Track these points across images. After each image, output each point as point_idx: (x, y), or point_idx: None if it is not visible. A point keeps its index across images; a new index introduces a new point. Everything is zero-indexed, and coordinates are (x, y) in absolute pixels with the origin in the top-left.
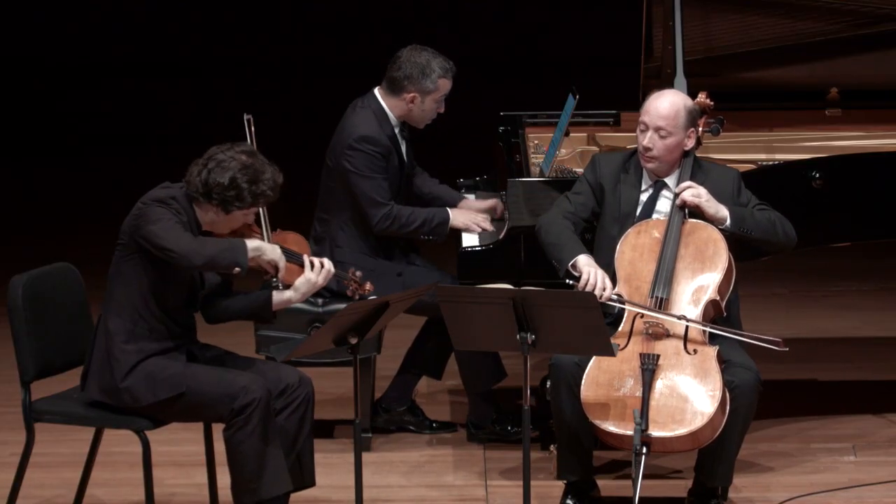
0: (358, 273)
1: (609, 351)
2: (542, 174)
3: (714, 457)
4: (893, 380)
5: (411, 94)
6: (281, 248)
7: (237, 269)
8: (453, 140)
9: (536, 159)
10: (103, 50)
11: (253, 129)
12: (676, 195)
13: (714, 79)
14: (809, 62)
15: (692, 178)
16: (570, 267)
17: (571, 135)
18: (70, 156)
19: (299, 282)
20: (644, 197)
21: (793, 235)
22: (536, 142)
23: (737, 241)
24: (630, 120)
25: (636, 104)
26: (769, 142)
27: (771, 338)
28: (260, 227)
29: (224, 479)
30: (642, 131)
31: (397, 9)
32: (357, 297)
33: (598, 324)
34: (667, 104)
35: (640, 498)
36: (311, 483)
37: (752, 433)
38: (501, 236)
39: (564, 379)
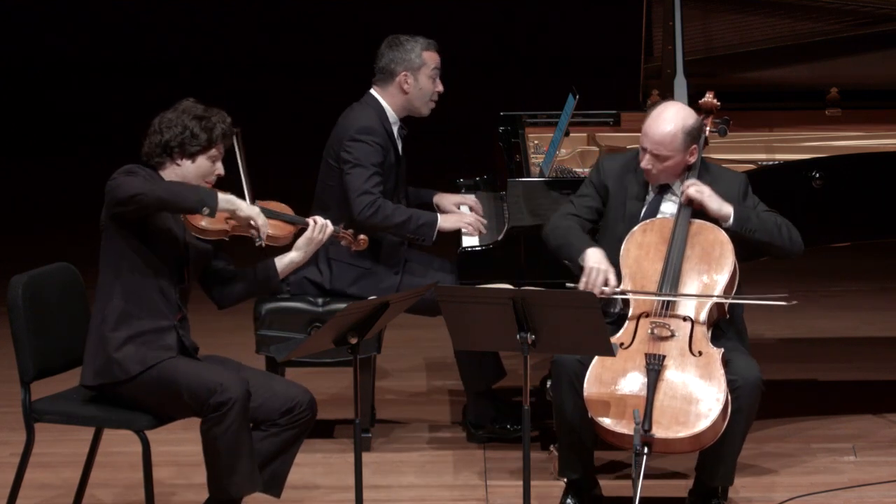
0: (349, 230)
1: (609, 351)
2: (542, 174)
3: (715, 457)
4: (893, 380)
5: (402, 74)
6: (270, 210)
7: (206, 209)
8: (453, 140)
9: (536, 159)
10: (103, 49)
11: (240, 141)
12: (682, 193)
13: (714, 79)
14: (809, 62)
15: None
16: (579, 261)
17: (571, 135)
18: (70, 155)
19: (301, 241)
20: (649, 198)
21: (799, 242)
22: (536, 142)
23: (740, 241)
24: (630, 120)
25: (636, 104)
26: (769, 142)
27: (775, 295)
28: (243, 196)
29: None
30: (642, 150)
31: (396, 8)
32: (353, 250)
33: (599, 324)
34: (664, 129)
35: (640, 498)
36: (276, 496)
37: (752, 433)
38: (501, 236)
39: (566, 376)
